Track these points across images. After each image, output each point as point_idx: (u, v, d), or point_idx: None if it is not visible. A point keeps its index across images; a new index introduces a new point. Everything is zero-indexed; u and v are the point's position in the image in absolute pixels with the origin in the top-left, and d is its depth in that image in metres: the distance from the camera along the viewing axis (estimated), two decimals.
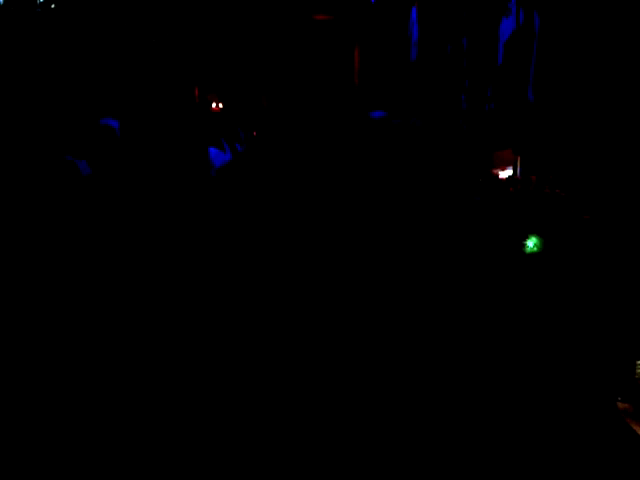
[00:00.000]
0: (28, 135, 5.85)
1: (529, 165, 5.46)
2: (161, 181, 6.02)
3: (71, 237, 4.71)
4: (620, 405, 2.33)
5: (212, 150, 6.83)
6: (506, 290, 3.58)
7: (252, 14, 9.41)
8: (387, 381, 2.67)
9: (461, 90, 7.04)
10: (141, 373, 2.77)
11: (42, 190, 5.21)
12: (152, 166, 6.19)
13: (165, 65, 7.92)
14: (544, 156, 5.28)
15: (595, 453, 2.13)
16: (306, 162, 7.57)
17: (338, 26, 9.77)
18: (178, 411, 2.46)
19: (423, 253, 4.36)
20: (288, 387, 2.64)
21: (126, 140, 6.51)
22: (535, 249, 3.93)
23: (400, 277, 3.93)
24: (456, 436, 2.26)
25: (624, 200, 4.21)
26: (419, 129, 7.27)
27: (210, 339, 3.12)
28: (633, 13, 4.26)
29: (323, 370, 2.78)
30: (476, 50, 6.71)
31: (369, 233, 4.89)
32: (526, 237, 3.99)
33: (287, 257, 4.41)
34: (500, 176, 5.62)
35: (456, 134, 6.84)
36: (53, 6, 6.62)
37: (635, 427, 2.20)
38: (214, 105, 9.28)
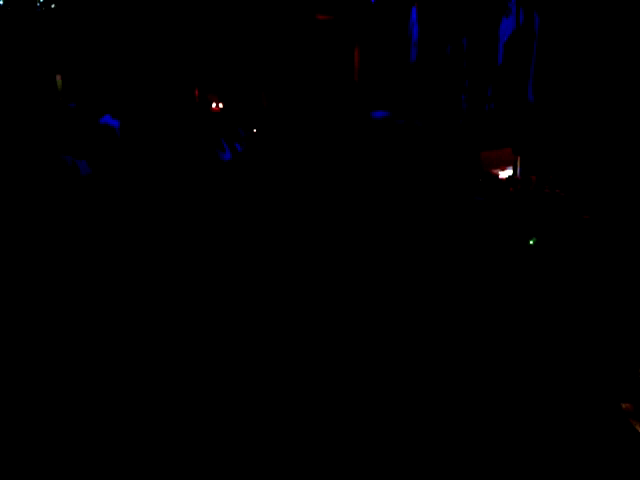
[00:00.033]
0: (28, 135, 5.85)
1: (529, 165, 5.47)
2: (161, 181, 6.03)
3: (71, 237, 4.71)
4: (623, 405, 2.34)
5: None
6: (509, 289, 3.59)
7: (252, 14, 9.41)
8: (387, 380, 2.67)
9: (461, 90, 7.05)
10: (142, 370, 2.77)
11: (42, 190, 5.21)
12: (152, 166, 6.19)
13: (165, 65, 7.92)
14: (544, 156, 5.29)
15: (599, 453, 2.14)
16: (306, 162, 7.57)
17: (338, 26, 9.77)
18: (178, 411, 2.46)
19: (425, 252, 4.36)
20: (288, 387, 2.64)
21: (126, 140, 6.51)
22: (535, 249, 3.93)
23: (401, 275, 3.93)
24: (459, 433, 2.26)
25: (623, 200, 4.22)
26: (419, 129, 7.27)
27: (210, 339, 3.12)
28: (633, 13, 4.27)
29: (323, 367, 2.79)
30: (476, 50, 6.71)
31: (370, 232, 4.89)
32: (527, 237, 4.00)
33: (287, 256, 4.41)
34: (500, 176, 5.63)
35: (456, 134, 6.85)
36: (53, 6, 6.62)
37: (638, 427, 2.21)
38: (214, 105, 9.28)
